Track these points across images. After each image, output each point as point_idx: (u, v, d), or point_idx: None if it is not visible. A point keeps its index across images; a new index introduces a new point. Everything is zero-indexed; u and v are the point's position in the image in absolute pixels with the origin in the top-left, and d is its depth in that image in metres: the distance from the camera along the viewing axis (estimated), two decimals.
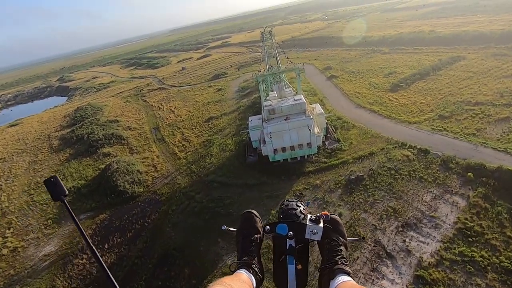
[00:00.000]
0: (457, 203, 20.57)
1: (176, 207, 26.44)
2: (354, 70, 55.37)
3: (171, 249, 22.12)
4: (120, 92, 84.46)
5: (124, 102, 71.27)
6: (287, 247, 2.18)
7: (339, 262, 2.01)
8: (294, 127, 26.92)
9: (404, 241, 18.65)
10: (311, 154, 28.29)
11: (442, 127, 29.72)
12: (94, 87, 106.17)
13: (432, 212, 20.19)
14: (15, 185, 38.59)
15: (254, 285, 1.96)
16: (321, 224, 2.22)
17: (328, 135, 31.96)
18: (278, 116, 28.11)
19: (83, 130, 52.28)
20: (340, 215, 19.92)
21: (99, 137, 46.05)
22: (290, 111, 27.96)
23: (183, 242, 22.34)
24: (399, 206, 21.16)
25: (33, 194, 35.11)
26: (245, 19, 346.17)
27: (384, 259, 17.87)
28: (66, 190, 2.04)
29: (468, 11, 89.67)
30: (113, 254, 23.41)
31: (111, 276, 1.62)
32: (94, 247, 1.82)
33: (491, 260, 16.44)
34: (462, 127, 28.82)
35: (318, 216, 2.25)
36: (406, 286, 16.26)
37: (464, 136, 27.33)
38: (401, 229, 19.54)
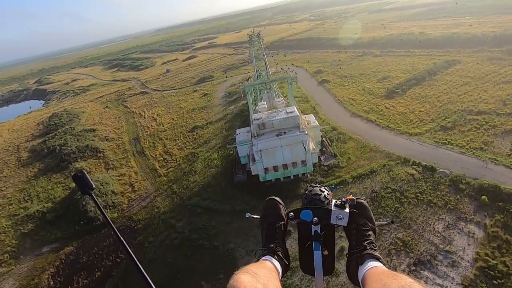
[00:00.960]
0: (473, 233, 18.14)
1: (153, 238, 23.02)
2: (346, 74, 53.05)
3: None
4: (100, 97, 79.71)
5: (104, 108, 66.84)
6: (313, 233, 2.14)
7: (368, 247, 1.94)
8: (287, 143, 23.99)
9: None
10: (306, 173, 25.46)
11: (445, 139, 27.45)
12: (73, 90, 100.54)
13: (447, 245, 17.66)
14: None
15: (280, 271, 1.93)
16: (347, 209, 2.14)
17: (324, 149, 29.21)
18: (269, 131, 25.13)
19: (55, 141, 47.81)
20: (341, 249, 17.13)
21: (72, 149, 41.86)
22: (282, 125, 25.03)
23: (160, 286, 19.04)
24: (409, 238, 18.55)
25: None
26: (231, 19, 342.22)
27: None
28: (93, 185, 2.11)
29: (455, 12, 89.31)
30: None
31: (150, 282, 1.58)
32: (129, 249, 1.78)
33: None
34: (468, 140, 26.61)
35: (343, 201, 2.18)
36: None
37: (471, 151, 25.09)
38: (413, 267, 16.90)
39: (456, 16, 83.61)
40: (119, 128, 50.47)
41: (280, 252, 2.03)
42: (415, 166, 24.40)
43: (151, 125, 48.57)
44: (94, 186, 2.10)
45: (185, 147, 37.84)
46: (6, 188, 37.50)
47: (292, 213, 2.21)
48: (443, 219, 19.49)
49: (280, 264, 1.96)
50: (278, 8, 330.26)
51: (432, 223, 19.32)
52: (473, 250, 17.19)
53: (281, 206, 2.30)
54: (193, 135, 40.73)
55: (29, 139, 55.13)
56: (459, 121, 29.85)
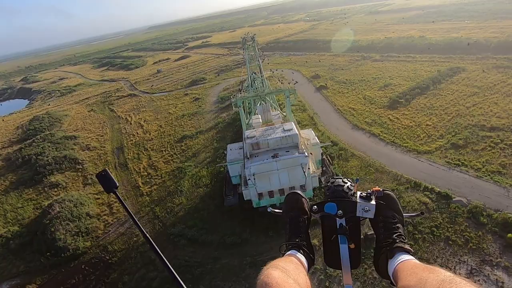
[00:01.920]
0: (502, 282, 15.50)
1: (129, 277, 19.86)
2: (344, 79, 50.35)
3: None
4: (86, 98, 75.67)
5: (88, 111, 63.01)
6: (338, 226, 2.04)
7: (397, 240, 1.85)
8: (285, 166, 21.00)
9: None
10: None
11: (458, 160, 24.87)
12: (58, 90, 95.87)
13: None
14: None
15: (306, 266, 1.91)
16: (373, 201, 2.03)
17: (324, 168, 26.33)
18: (264, 151, 22.13)
19: (32, 149, 44.07)
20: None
21: (48, 161, 38.24)
22: (279, 145, 22.04)
23: None
24: None
25: None
26: (226, 18, 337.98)
27: None
28: (117, 182, 2.12)
29: (454, 16, 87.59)
30: None
31: (177, 277, 1.49)
32: (155, 245, 1.70)
33: None
34: (483, 162, 24.06)
35: (369, 193, 2.08)
36: None
37: (489, 175, 22.53)
38: None
39: (456, 20, 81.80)
40: (102, 136, 46.90)
41: (304, 246, 2.01)
42: (427, 193, 21.71)
43: (137, 133, 45.15)
44: (117, 184, 2.12)
45: (172, 160, 34.63)
46: None
47: (316, 207, 2.15)
48: (465, 261, 16.82)
49: (306, 259, 1.94)
50: (273, 8, 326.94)
51: (453, 267, 16.64)
52: None
53: (303, 200, 2.26)
54: (181, 146, 37.50)
55: (5, 145, 51.09)
56: (471, 138, 27.32)
